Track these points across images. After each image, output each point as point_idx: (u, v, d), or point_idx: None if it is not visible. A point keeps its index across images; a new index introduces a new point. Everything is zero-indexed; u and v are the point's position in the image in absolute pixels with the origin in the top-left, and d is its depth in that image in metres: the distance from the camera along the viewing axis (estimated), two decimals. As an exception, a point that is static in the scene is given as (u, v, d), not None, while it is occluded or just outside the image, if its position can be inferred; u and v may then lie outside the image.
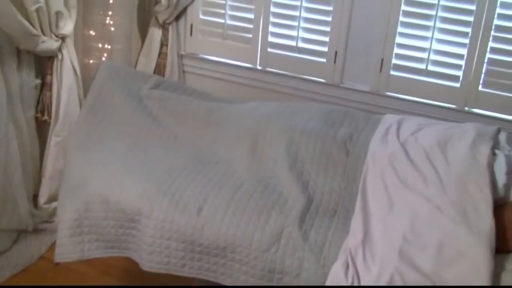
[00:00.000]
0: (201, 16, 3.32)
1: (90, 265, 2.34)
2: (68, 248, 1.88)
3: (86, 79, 2.89)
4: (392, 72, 2.96)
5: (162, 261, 1.76)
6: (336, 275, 1.57)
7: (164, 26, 3.30)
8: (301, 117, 2.05)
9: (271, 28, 3.16)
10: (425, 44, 2.86)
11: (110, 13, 3.09)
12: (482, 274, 1.46)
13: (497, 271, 1.51)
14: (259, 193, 1.81)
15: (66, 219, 1.88)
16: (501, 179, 1.69)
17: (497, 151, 1.82)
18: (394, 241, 1.58)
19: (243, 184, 1.86)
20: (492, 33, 2.74)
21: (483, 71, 2.81)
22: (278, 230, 1.69)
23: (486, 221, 1.54)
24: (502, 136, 1.99)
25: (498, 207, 1.64)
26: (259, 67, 3.25)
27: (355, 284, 1.54)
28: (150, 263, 1.78)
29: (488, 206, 1.58)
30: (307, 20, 3.07)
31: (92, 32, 3.08)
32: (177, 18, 3.32)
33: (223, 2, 3.20)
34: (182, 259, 1.75)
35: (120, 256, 1.92)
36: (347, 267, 1.57)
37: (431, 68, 2.89)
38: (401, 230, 1.59)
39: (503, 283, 1.50)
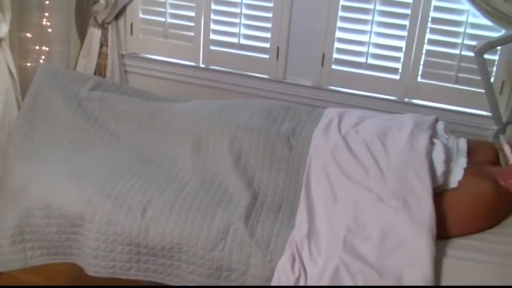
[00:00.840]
0: (141, 15, 3.28)
1: (34, 272, 2.28)
2: (10, 257, 1.83)
3: (23, 82, 2.82)
4: (333, 66, 3.01)
5: (107, 265, 1.73)
6: (282, 269, 1.58)
7: (103, 26, 3.25)
8: (244, 114, 2.05)
9: (213, 26, 3.15)
10: (364, 38, 2.92)
11: (46, 14, 3.02)
12: (424, 260, 1.50)
13: (439, 257, 1.55)
14: (204, 191, 1.81)
15: (6, 227, 1.82)
16: (439, 167, 1.73)
17: (435, 140, 1.86)
18: (339, 232, 1.60)
19: (188, 183, 1.84)
20: (429, 25, 2.82)
21: (421, 62, 2.88)
22: (224, 228, 1.68)
23: (426, 209, 1.58)
24: (440, 125, 2.04)
25: (438, 194, 1.69)
26: (202, 65, 3.24)
27: (302, 276, 1.55)
28: (95, 267, 1.74)
29: (427, 194, 1.62)
30: (248, 16, 3.07)
31: (28, 34, 3.01)
32: (117, 17, 3.27)
33: (163, 0, 3.17)
34: (128, 262, 1.72)
35: (65, 262, 1.88)
36: (294, 260, 1.58)
37: (371, 61, 2.94)
38: (345, 221, 1.62)
39: (445, 269, 1.54)
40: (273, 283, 1.58)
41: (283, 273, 1.57)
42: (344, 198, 1.68)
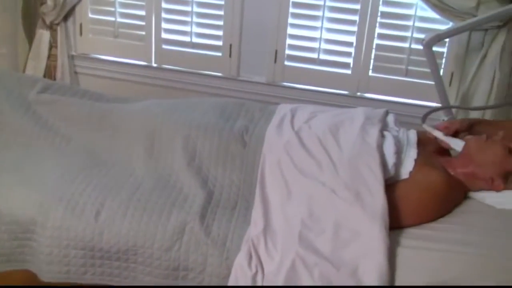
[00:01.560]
0: (90, 15, 3.23)
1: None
2: (-40, 266, 1.77)
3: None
4: (286, 63, 3.03)
5: (61, 270, 1.69)
6: (239, 266, 1.57)
7: (52, 27, 3.19)
8: (197, 112, 2.04)
9: (164, 25, 3.13)
10: (315, 34, 2.94)
11: (-8, 16, 2.95)
12: (378, 251, 1.52)
13: (392, 247, 1.57)
14: (158, 191, 1.79)
15: (-46, 236, 1.76)
16: (390, 159, 1.76)
17: (385, 133, 1.89)
18: (294, 227, 1.61)
19: (142, 184, 1.82)
20: (379, 19, 2.87)
21: (372, 57, 2.93)
22: (180, 227, 1.67)
23: (378, 200, 1.60)
24: (390, 118, 2.07)
25: (390, 185, 1.72)
26: (154, 65, 3.21)
27: (259, 272, 1.55)
28: (50, 273, 1.71)
29: (379, 185, 1.64)
30: (199, 15, 3.06)
31: (-27, 37, 2.92)
32: (65, 18, 3.21)
33: (112, -1, 3.13)
34: (83, 266, 1.69)
35: (18, 269, 1.83)
36: (250, 257, 1.58)
37: (323, 57, 2.98)
38: (300, 216, 1.62)
39: (399, 258, 1.57)
40: (230, 281, 1.58)
41: (240, 270, 1.57)
42: (298, 193, 1.69)
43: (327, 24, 2.91)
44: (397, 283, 1.53)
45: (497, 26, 2.64)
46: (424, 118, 2.10)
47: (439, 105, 2.72)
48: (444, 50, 2.85)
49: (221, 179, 1.83)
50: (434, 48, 2.52)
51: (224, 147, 1.87)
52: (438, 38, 2.44)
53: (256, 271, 1.56)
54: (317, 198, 1.66)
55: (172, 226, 1.68)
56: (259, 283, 1.55)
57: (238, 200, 1.79)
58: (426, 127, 2.01)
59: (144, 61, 3.22)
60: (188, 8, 3.05)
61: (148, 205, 1.73)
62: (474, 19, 2.51)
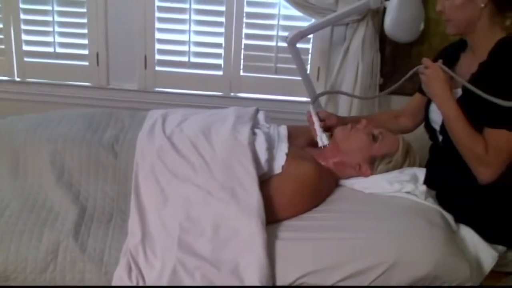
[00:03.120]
0: None
1: None
2: None
3: None
4: (157, 68, 2.99)
5: None
6: (119, 279, 1.53)
7: None
8: (63, 125, 1.95)
9: (25, 37, 2.98)
10: (184, 37, 2.93)
11: None
12: (256, 246, 1.54)
13: (271, 241, 1.61)
14: (27, 212, 1.69)
15: None
16: (262, 155, 1.79)
17: (256, 130, 1.93)
18: (172, 233, 1.59)
19: (8, 206, 1.72)
20: (245, 20, 2.90)
21: (242, 57, 2.96)
22: (53, 247, 1.60)
23: (253, 196, 1.63)
24: (261, 116, 2.12)
25: (264, 181, 1.75)
26: (17, 79, 3.05)
27: (140, 283, 1.52)
28: None
29: (253, 182, 1.66)
30: (61, 24, 2.95)
31: None
32: None
33: (-36, 13, 2.93)
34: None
35: None
36: (130, 268, 1.54)
37: (193, 59, 2.97)
38: (178, 221, 1.61)
39: (278, 251, 1.60)
40: (111, 295, 1.54)
41: (120, 283, 1.53)
42: (174, 197, 1.67)
43: (194, 27, 2.91)
44: (278, 276, 1.57)
45: (357, 20, 2.77)
46: (314, 100, 2.19)
47: (306, 101, 2.83)
48: (309, 46, 2.95)
49: (93, 193, 1.77)
50: (300, 45, 2.60)
51: (94, 159, 1.81)
52: (301, 35, 2.52)
53: (137, 282, 1.53)
54: (193, 201, 1.66)
55: (45, 247, 1.60)
56: (141, 294, 1.52)
57: (113, 212, 1.74)
58: (311, 109, 2.09)
59: (5, 76, 3.03)
60: (49, 18, 2.92)
61: (17, 228, 1.64)
62: (334, 14, 2.61)
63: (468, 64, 1.87)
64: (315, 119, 2.07)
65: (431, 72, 1.82)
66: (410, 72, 1.93)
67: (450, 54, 1.97)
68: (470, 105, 1.77)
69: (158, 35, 2.94)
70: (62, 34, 2.96)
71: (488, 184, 1.75)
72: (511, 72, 1.69)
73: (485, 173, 1.74)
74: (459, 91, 1.85)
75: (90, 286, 1.58)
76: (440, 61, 1.85)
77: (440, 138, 1.93)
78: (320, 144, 2.00)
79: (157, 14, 2.89)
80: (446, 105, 1.79)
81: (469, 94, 1.77)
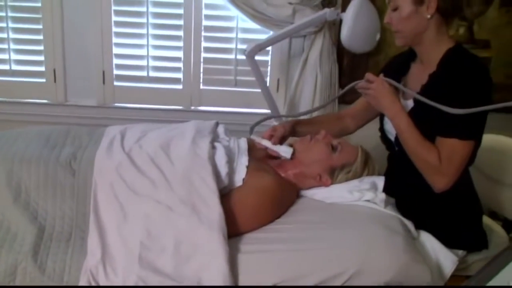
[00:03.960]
0: None
1: None
2: None
3: None
4: (115, 83, 2.97)
5: None
6: (80, 299, 1.51)
7: None
8: (19, 144, 1.91)
9: (-22, 54, 2.91)
10: (142, 52, 2.92)
11: None
12: (219, 260, 1.53)
13: (234, 254, 1.60)
14: (-17, 235, 1.65)
15: None
16: (223, 169, 1.79)
17: (216, 144, 1.92)
18: (133, 250, 1.57)
19: (-37, 230, 1.67)
20: (203, 33, 2.91)
21: (201, 70, 2.97)
22: (11, 269, 1.56)
23: (214, 210, 1.62)
24: (221, 129, 2.11)
25: (226, 195, 1.75)
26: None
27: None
28: None
29: (214, 195, 1.66)
30: (16, 41, 2.90)
31: None
32: None
33: None
34: None
35: None
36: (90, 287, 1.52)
37: (152, 74, 2.96)
38: (138, 238, 1.59)
39: (241, 264, 1.60)
40: (72, 315, 1.51)
41: (80, 303, 1.50)
42: (134, 214, 1.65)
43: (153, 41, 2.90)
44: (240, 290, 1.56)
45: (314, 31, 2.81)
46: (251, 131, 2.18)
47: (266, 113, 2.83)
48: (268, 58, 2.97)
49: (52, 212, 1.73)
50: (259, 57, 2.62)
51: (51, 178, 1.77)
52: (259, 47, 2.54)
53: (98, 301, 1.50)
54: (154, 217, 1.64)
55: (2, 269, 1.56)
56: (102, 313, 1.50)
57: (72, 231, 1.70)
58: (255, 138, 2.08)
59: (-42, 96, 2.97)
60: (3, 35, 2.86)
61: (-28, 252, 1.59)
62: (291, 26, 2.64)
63: (419, 74, 1.90)
64: (263, 143, 2.06)
65: (377, 86, 1.85)
66: (347, 87, 1.97)
67: (400, 64, 2.00)
68: (421, 115, 1.80)
69: (116, 50, 2.91)
70: (17, 51, 2.91)
71: (443, 192, 1.79)
72: (460, 81, 1.73)
73: (439, 182, 1.77)
74: (410, 103, 1.89)
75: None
76: (381, 75, 1.89)
77: (396, 148, 1.96)
78: (287, 156, 1.99)
79: (114, 29, 2.87)
80: (397, 117, 1.82)
81: (420, 105, 1.81)
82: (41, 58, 2.91)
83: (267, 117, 2.36)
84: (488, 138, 2.02)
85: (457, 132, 1.72)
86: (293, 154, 1.99)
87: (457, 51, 1.81)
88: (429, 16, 1.78)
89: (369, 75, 1.88)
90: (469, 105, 1.67)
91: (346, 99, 2.90)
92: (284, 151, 2.00)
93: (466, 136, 1.73)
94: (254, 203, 1.76)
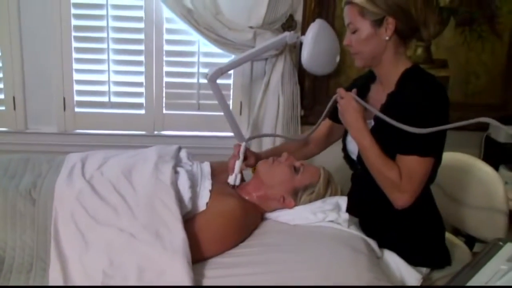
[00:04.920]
0: None
1: None
2: None
3: None
4: (77, 110, 2.94)
5: None
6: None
7: None
8: (-24, 174, 1.87)
9: None
10: (103, 77, 2.90)
11: None
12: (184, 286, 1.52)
13: (199, 280, 1.59)
14: None
15: None
16: (186, 194, 1.78)
17: (179, 169, 1.91)
18: (95, 279, 1.54)
19: None
20: (164, 58, 2.91)
21: (164, 95, 2.96)
22: (-31, 304, 1.52)
23: (178, 236, 1.61)
24: (183, 153, 2.11)
25: (189, 220, 1.74)
26: None
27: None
28: None
29: (177, 221, 1.64)
30: (-27, 69, 2.85)
31: None
32: None
33: None
34: None
35: None
36: (52, 320, 1.49)
37: (114, 99, 2.94)
38: (101, 267, 1.56)
39: (207, 290, 1.59)
40: None
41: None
42: (96, 243, 1.62)
43: (114, 67, 2.89)
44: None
45: (275, 54, 2.85)
46: (247, 139, 2.25)
47: (229, 136, 2.85)
48: (230, 81, 2.99)
49: (11, 243, 1.69)
50: (221, 80, 2.63)
51: (11, 208, 1.73)
52: (221, 71, 2.55)
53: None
54: (116, 245, 1.61)
55: (-40, 303, 1.52)
56: None
57: (33, 262, 1.66)
58: (243, 146, 2.09)
59: None
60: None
61: None
62: (252, 50, 2.66)
63: (378, 94, 1.94)
64: (241, 157, 2.07)
65: (345, 103, 1.89)
66: (330, 102, 1.99)
67: (361, 85, 2.04)
68: (382, 134, 1.84)
69: (76, 76, 2.89)
70: (-26, 79, 2.87)
71: (405, 209, 1.81)
72: (417, 100, 1.77)
73: (400, 199, 1.80)
74: (371, 122, 1.92)
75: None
76: (354, 90, 1.92)
77: (359, 167, 1.99)
78: (231, 182, 2.01)
79: (75, 55, 2.85)
80: (360, 134, 1.85)
81: (380, 124, 1.84)
82: (0, 85, 2.86)
83: (263, 135, 2.48)
84: (448, 156, 2.07)
85: (417, 149, 1.76)
86: (238, 185, 2.02)
87: (414, 71, 1.86)
88: (387, 38, 1.82)
89: (341, 91, 1.92)
90: (427, 123, 1.71)
91: (308, 120, 2.96)
92: (236, 177, 2.02)
93: (425, 153, 1.76)
94: (218, 227, 1.75)
